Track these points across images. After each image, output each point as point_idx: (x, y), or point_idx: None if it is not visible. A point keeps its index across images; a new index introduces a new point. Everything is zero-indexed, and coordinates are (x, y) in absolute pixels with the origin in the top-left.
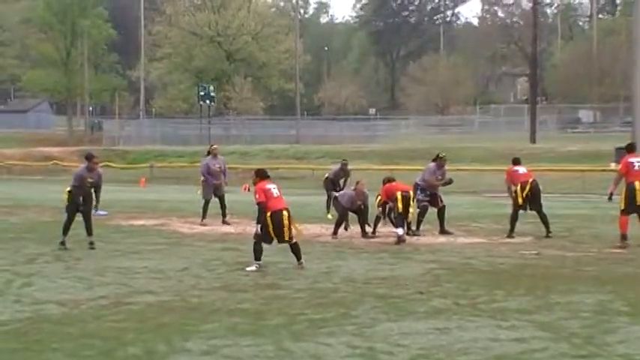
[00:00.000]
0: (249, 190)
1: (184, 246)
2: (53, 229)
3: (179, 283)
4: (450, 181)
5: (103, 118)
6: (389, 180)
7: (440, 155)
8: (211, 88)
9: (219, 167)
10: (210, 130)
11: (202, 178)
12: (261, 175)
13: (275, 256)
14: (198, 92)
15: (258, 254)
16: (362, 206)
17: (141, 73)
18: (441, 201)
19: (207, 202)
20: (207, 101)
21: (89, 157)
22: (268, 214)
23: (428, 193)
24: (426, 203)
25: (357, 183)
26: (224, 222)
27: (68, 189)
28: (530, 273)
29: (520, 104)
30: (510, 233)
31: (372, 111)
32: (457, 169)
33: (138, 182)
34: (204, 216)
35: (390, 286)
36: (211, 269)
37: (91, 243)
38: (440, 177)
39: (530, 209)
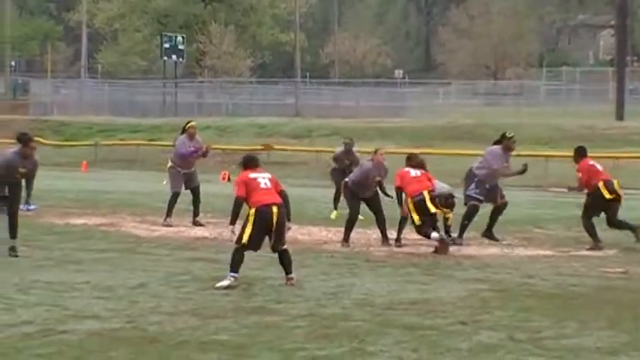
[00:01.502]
0: (229, 179)
1: (140, 254)
2: None
3: (132, 304)
4: (524, 170)
5: (30, 76)
6: (411, 162)
7: (507, 135)
8: (179, 38)
9: (194, 151)
10: (177, 97)
11: (170, 164)
12: (246, 162)
13: (265, 269)
14: (162, 44)
15: (236, 264)
16: (380, 183)
17: (83, 16)
18: (502, 196)
19: (175, 196)
20: (174, 57)
21: (24, 140)
22: (252, 210)
23: (486, 186)
24: (477, 202)
25: (376, 152)
26: (195, 222)
27: None
28: (613, 298)
29: (603, 67)
30: (597, 242)
31: (400, 73)
32: (515, 155)
33: (78, 166)
34: (169, 213)
35: (422, 314)
36: (177, 286)
37: (13, 248)
38: (506, 164)
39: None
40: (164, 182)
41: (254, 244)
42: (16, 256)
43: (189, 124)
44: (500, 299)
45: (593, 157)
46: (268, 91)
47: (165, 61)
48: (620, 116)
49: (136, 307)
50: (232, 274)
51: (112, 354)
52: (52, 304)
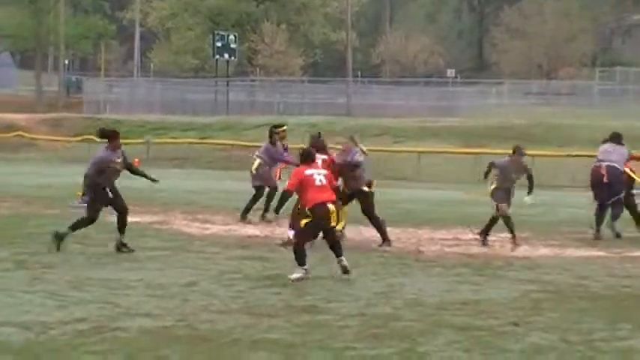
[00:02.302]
0: (280, 177)
1: (192, 252)
2: (13, 224)
3: (184, 302)
4: None
5: (83, 75)
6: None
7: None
8: (231, 37)
9: (289, 160)
10: (228, 95)
11: (259, 161)
12: (305, 156)
13: (316, 268)
14: (214, 43)
15: (301, 258)
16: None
17: (136, 15)
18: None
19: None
20: (226, 55)
21: (111, 135)
22: (308, 207)
23: None
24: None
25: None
26: (264, 217)
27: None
28: None
29: None
30: None
31: (451, 73)
32: (567, 155)
33: None
34: (267, 209)
35: (473, 314)
36: (228, 285)
37: (124, 245)
38: None
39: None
40: (253, 185)
41: (308, 237)
42: (131, 250)
43: (282, 128)
44: (552, 300)
45: None
46: (319, 90)
47: (217, 60)
48: None
49: (188, 305)
50: (301, 267)
51: (164, 352)
52: (104, 301)
